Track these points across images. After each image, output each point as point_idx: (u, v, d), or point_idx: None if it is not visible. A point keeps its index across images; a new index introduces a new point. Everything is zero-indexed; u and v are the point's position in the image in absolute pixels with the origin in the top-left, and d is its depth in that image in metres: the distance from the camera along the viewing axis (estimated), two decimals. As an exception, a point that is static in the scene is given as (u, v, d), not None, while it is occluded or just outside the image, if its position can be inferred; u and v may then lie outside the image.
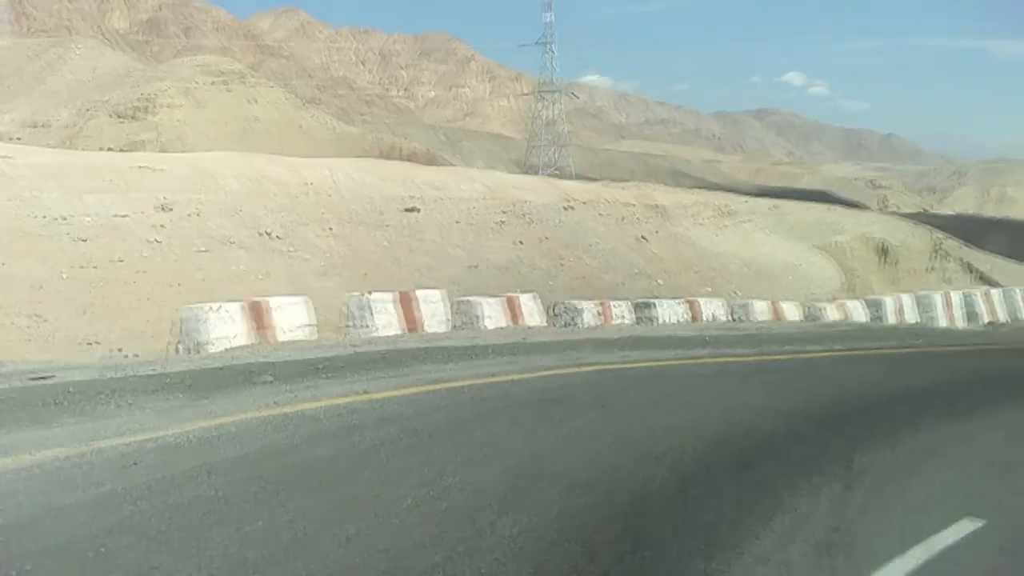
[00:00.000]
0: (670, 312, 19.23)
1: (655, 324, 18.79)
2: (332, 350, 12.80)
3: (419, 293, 16.89)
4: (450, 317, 16.98)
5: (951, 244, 51.89)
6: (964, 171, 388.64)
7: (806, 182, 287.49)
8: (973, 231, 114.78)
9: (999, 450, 9.12)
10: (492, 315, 17.12)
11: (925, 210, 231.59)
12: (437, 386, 10.27)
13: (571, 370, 12.16)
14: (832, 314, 21.29)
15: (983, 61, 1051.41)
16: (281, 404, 8.83)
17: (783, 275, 36.46)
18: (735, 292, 33.15)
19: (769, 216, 43.34)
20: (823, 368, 14.00)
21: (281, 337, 13.84)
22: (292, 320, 14.31)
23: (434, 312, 16.69)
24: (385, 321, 15.82)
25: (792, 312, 20.95)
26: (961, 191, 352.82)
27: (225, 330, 13.35)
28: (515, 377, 11.21)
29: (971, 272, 51.10)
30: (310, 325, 14.65)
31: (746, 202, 45.80)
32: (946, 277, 48.09)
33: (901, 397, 11.55)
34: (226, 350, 12.85)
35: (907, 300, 23.02)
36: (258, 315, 13.92)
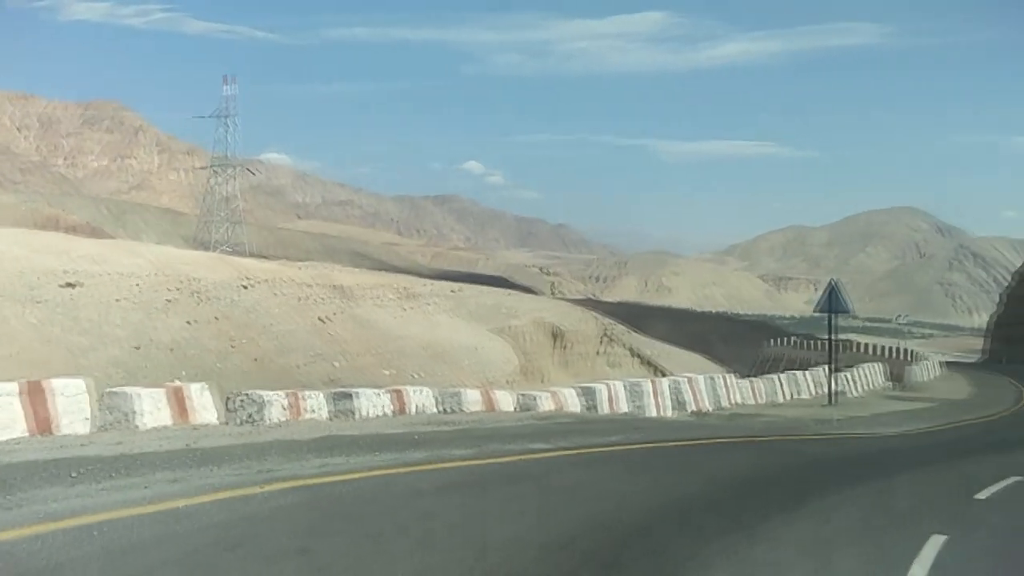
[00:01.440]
0: (372, 404, 16.41)
1: (355, 418, 15.89)
2: None
3: (55, 383, 12.99)
4: (95, 414, 13.21)
5: (618, 329, 54.29)
6: (626, 261, 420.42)
7: (483, 267, 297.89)
8: (636, 317, 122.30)
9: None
10: (151, 410, 13.51)
11: (592, 297, 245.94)
12: (44, 527, 6.87)
13: (256, 490, 9.05)
14: (546, 403, 19.35)
15: (645, 158, 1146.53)
16: None
17: (462, 358, 35.90)
18: (415, 375, 32.18)
19: (450, 299, 42.60)
20: (563, 474, 11.71)
21: None
22: None
23: (74, 407, 12.88)
24: (5, 420, 11.88)
25: (506, 401, 18.80)
26: (624, 280, 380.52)
27: None
28: (177, 505, 7.98)
29: (636, 356, 53.50)
30: None
31: (426, 285, 44.85)
32: (612, 361, 49.96)
33: (672, 517, 9.45)
34: None
35: (619, 387, 21.60)
36: None
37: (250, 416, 15.16)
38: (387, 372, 32.34)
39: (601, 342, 50.66)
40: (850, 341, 69.14)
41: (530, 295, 65.10)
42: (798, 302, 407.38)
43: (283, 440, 12.73)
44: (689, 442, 16.19)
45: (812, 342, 75.48)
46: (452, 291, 44.50)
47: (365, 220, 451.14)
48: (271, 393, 15.55)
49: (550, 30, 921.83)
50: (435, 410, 17.52)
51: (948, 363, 52.15)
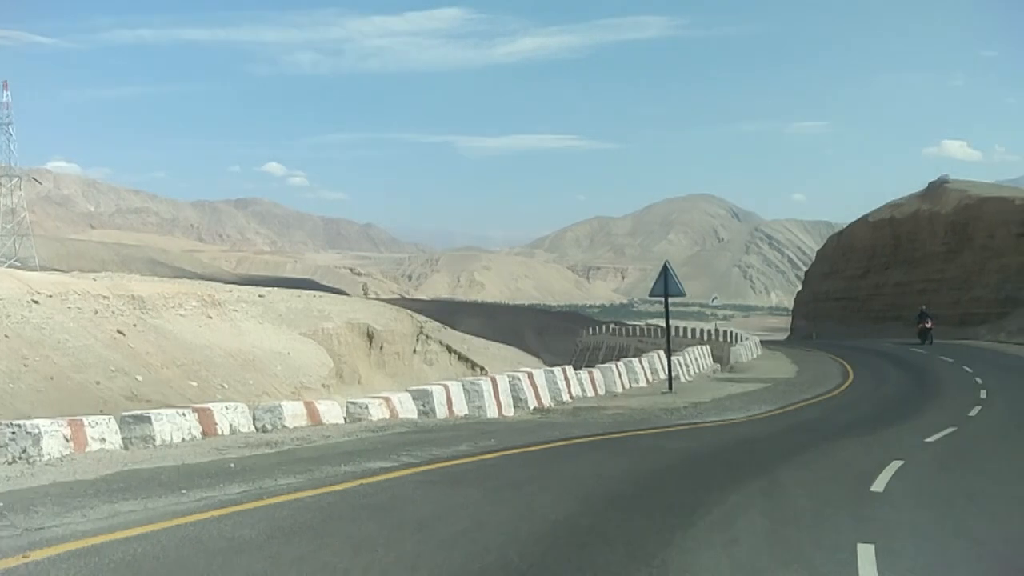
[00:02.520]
0: (175, 427, 13.85)
1: (155, 446, 13.32)
2: None
3: None
4: None
5: (432, 326, 53.62)
6: (437, 258, 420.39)
7: (291, 270, 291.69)
8: (449, 313, 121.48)
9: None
10: None
11: (404, 295, 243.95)
12: None
13: (15, 561, 6.69)
14: (378, 411, 17.24)
15: (450, 155, 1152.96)
16: None
17: (273, 364, 33.75)
18: (223, 384, 30.26)
19: (258, 304, 39.84)
20: (416, 503, 9.62)
21: None
22: None
23: None
24: None
25: (332, 413, 16.56)
26: (436, 277, 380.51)
27: None
28: None
29: (452, 352, 52.42)
30: None
31: (230, 291, 41.95)
32: (429, 359, 48.77)
33: (559, 554, 7.60)
34: None
35: (456, 388, 19.69)
36: None
37: (24, 452, 12.38)
38: (193, 383, 29.92)
39: (417, 340, 49.12)
40: (657, 326, 70.24)
41: (341, 296, 62.78)
42: (606, 290, 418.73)
43: (62, 482, 10.17)
44: (544, 446, 14.44)
45: (627, 328, 76.26)
46: (259, 296, 41.54)
47: (163, 227, 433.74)
48: (48, 422, 12.78)
49: (346, 28, 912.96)
50: (251, 428, 15.11)
51: (762, 342, 52.89)
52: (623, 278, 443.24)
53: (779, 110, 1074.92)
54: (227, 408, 15.04)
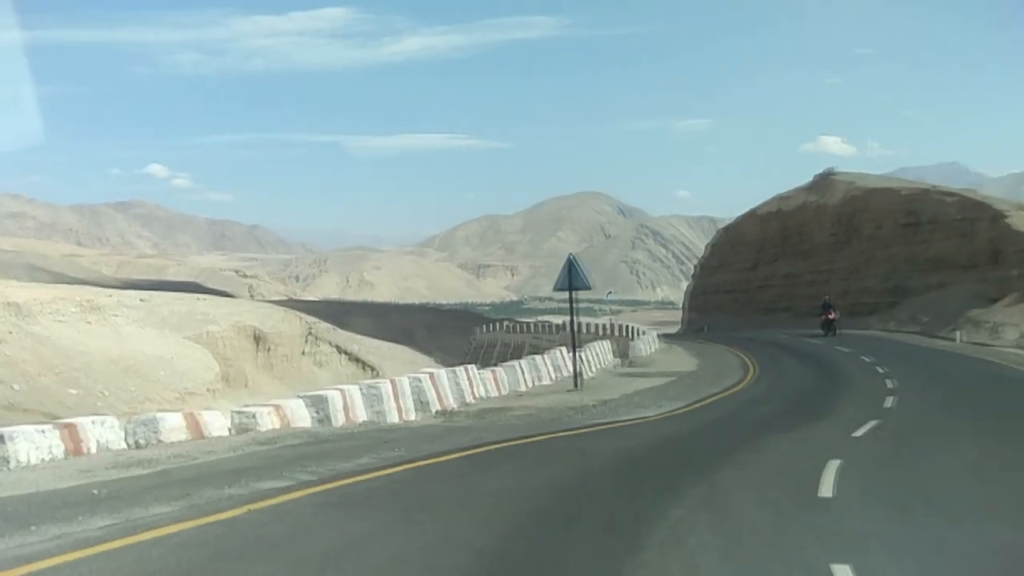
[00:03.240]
0: (34, 447, 12.08)
1: (10, 468, 11.58)
2: None
3: None
4: None
5: (321, 327, 52.24)
6: (326, 259, 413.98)
7: (174, 273, 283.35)
8: (338, 314, 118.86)
9: None
10: None
11: (292, 297, 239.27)
12: None
13: None
14: (268, 420, 15.67)
15: (339, 155, 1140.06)
16: None
17: (156, 369, 32.24)
18: (104, 391, 28.90)
19: (139, 309, 37.76)
20: (317, 534, 8.17)
21: None
22: None
23: None
24: None
25: (217, 424, 14.94)
26: (325, 277, 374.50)
27: None
28: None
29: (343, 353, 50.99)
30: None
31: (111, 296, 39.75)
32: (319, 360, 47.42)
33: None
34: None
35: (355, 393, 18.22)
36: None
37: None
38: (73, 391, 28.50)
39: (306, 341, 47.42)
40: (549, 322, 69.93)
41: (227, 298, 60.44)
42: (497, 288, 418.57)
43: None
44: (455, 455, 13.11)
45: (521, 325, 75.44)
46: (141, 300, 39.30)
47: (41, 232, 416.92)
48: None
49: (228, 28, 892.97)
50: (123, 445, 13.43)
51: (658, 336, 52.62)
52: (513, 275, 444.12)
53: (664, 108, 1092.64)
54: (95, 422, 13.32)
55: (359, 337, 67.45)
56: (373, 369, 50.71)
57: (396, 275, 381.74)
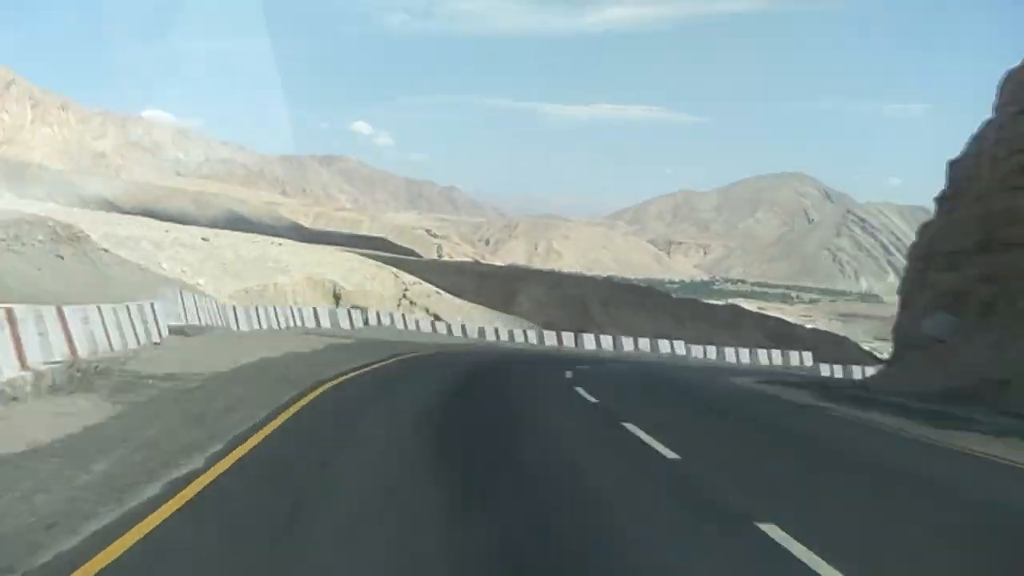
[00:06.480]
0: None
1: None
2: None
3: None
4: None
5: (421, 290, 45.58)
6: (516, 224, 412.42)
7: (367, 228, 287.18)
8: (512, 279, 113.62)
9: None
10: None
11: (478, 260, 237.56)
12: None
13: None
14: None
15: (536, 122, 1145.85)
16: None
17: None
18: None
19: (198, 250, 32.38)
20: None
21: None
22: None
23: None
24: None
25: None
26: (513, 243, 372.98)
27: None
28: None
29: (441, 322, 44.52)
30: None
31: (167, 231, 34.59)
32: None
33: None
34: None
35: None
36: None
37: None
38: None
39: (399, 305, 41.37)
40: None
41: (311, 245, 54.32)
42: (687, 266, 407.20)
43: None
44: None
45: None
46: (203, 239, 34.47)
47: (248, 179, 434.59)
48: None
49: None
50: None
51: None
52: (705, 254, 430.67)
53: (876, 91, 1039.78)
54: None
55: (469, 305, 61.04)
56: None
57: (584, 246, 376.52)
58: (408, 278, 44.53)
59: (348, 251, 54.10)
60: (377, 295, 37.89)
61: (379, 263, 46.67)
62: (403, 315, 37.55)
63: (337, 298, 35.25)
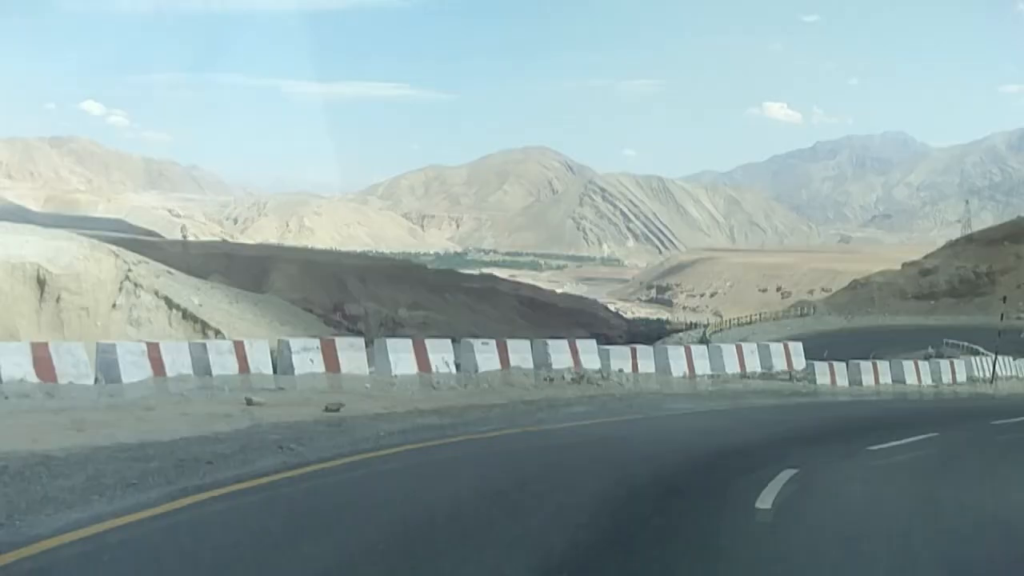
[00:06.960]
0: None
1: None
2: None
3: None
4: None
5: (147, 270, 40.49)
6: (266, 202, 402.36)
7: (103, 210, 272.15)
8: (264, 260, 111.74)
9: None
10: None
11: (226, 239, 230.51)
12: None
13: None
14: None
15: (277, 100, 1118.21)
16: None
17: None
18: None
19: None
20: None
21: None
22: None
23: None
24: None
25: None
26: (263, 221, 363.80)
27: None
28: None
29: (175, 308, 41.01)
30: None
31: None
32: (135, 317, 38.14)
33: None
34: None
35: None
36: None
37: None
38: None
39: (121, 290, 37.76)
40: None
41: (12, 223, 44.54)
42: (441, 239, 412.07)
43: None
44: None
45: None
46: None
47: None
48: None
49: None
50: None
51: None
52: (458, 227, 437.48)
53: (612, 68, 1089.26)
54: None
55: (215, 286, 53.31)
56: (218, 332, 39.41)
57: (338, 222, 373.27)
58: (132, 256, 40.59)
59: (62, 231, 44.74)
60: (93, 278, 35.29)
61: (95, 241, 41.72)
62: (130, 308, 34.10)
63: (43, 285, 31.70)
